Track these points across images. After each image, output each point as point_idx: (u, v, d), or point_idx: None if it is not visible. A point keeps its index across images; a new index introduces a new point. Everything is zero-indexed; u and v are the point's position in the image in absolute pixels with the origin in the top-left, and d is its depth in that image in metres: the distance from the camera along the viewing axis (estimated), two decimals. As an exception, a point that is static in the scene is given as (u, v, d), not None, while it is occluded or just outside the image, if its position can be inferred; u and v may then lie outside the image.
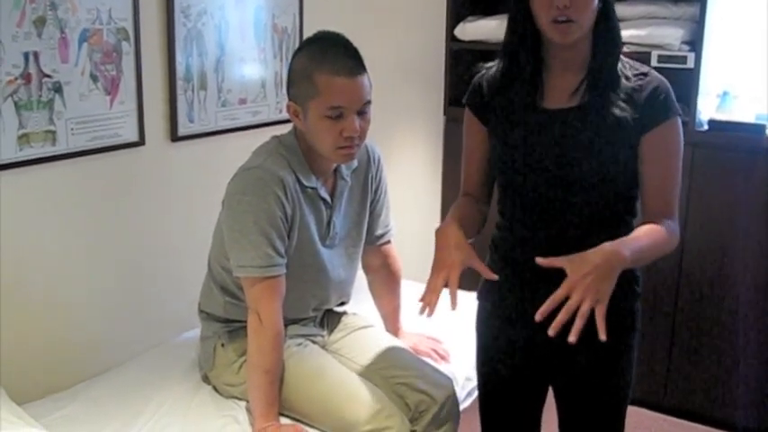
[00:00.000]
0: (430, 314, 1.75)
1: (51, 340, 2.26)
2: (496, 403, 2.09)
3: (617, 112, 1.79)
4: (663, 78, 1.84)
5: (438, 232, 1.86)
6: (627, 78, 1.82)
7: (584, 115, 1.81)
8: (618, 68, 1.82)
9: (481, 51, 3.65)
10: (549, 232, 1.85)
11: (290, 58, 2.14)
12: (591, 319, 1.61)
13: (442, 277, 1.76)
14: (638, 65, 1.86)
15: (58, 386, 2.23)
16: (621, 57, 1.84)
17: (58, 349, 2.28)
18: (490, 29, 3.47)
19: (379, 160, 2.28)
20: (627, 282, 1.84)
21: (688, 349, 3.28)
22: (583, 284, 1.59)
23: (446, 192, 3.81)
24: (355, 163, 2.20)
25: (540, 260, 1.67)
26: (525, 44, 1.83)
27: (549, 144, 1.81)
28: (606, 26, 1.80)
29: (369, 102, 2.02)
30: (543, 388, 2.06)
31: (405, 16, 3.52)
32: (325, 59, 1.97)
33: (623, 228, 1.84)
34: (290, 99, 2.06)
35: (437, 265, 1.80)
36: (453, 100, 3.67)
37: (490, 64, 1.98)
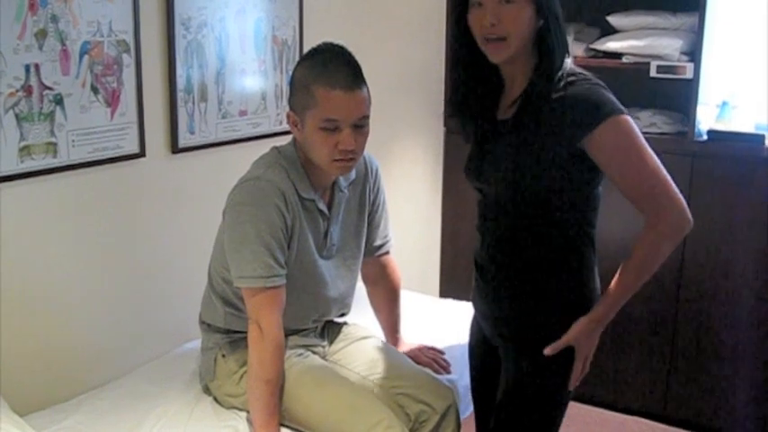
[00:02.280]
0: None
1: (53, 351, 2.26)
2: (475, 397, 2.20)
3: (538, 127, 1.78)
4: (587, 87, 1.78)
5: None
6: (555, 92, 1.78)
7: (513, 128, 1.83)
8: (551, 83, 1.79)
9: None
10: (493, 236, 1.93)
11: (290, 70, 2.15)
12: (541, 317, 1.89)
13: None
14: (573, 78, 1.80)
15: (59, 397, 2.23)
16: (573, 70, 1.82)
17: (59, 360, 2.28)
18: (490, 40, 3.47)
19: (377, 171, 2.29)
20: (580, 292, 1.92)
21: (689, 359, 3.27)
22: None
23: (446, 202, 3.82)
24: (353, 175, 2.21)
25: (547, 351, 1.85)
26: (469, 60, 1.88)
27: (493, 152, 1.88)
28: (546, 42, 1.80)
29: (366, 116, 2.03)
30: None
31: (404, 28, 3.53)
32: (324, 71, 1.98)
33: (575, 228, 1.86)
34: (290, 108, 2.07)
35: None
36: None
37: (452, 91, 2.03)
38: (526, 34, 1.78)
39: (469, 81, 1.91)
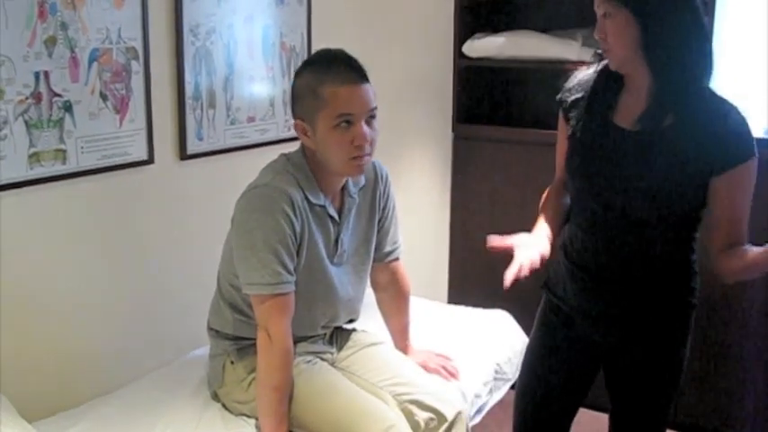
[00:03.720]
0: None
1: (61, 358, 2.26)
2: (537, 398, 2.23)
3: (685, 145, 1.84)
4: (743, 117, 1.87)
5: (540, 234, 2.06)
6: (704, 113, 1.84)
7: (646, 140, 1.88)
8: (685, 99, 1.85)
9: (489, 68, 3.67)
10: (607, 242, 1.98)
11: (298, 76, 2.14)
12: (650, 320, 1.99)
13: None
14: (721, 100, 1.88)
15: (68, 404, 2.23)
16: (709, 90, 1.88)
17: (68, 367, 2.28)
18: (498, 45, 3.48)
19: (386, 177, 2.29)
20: (683, 293, 2.03)
21: (699, 366, 3.26)
22: None
23: (455, 209, 3.81)
24: (363, 180, 2.21)
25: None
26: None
27: (618, 161, 1.91)
28: (654, 53, 1.83)
29: (375, 108, 2.03)
30: (587, 387, 2.20)
31: (413, 33, 3.53)
32: (329, 72, 1.99)
33: (682, 244, 1.97)
34: (296, 118, 2.07)
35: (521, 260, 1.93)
36: (462, 117, 3.68)
37: (585, 68, 2.09)
38: (627, 45, 1.84)
39: (600, 77, 1.99)
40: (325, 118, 1.99)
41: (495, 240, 1.95)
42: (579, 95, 2.04)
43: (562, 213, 2.13)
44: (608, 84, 1.97)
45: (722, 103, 1.87)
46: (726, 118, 1.84)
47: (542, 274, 2.09)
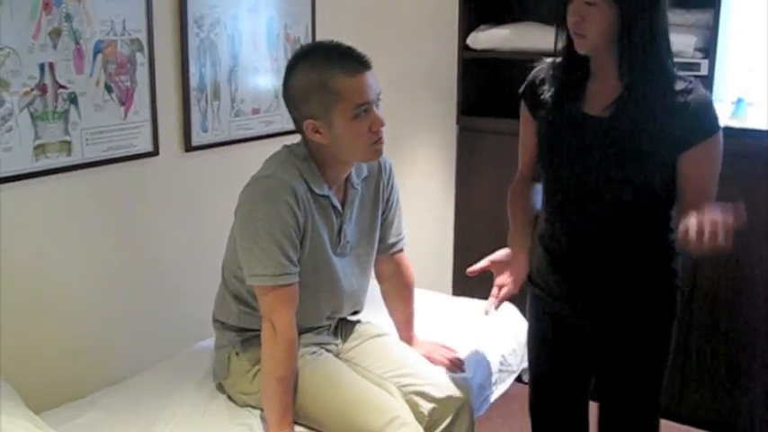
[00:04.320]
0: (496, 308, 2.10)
1: (68, 349, 2.27)
2: (544, 389, 2.25)
3: (652, 125, 1.86)
4: (706, 93, 1.90)
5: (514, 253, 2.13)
6: (669, 92, 1.87)
7: (618, 125, 1.89)
8: (654, 81, 1.87)
9: (494, 60, 3.66)
10: (584, 228, 2.01)
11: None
12: (633, 303, 2.00)
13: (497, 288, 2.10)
14: (683, 78, 1.91)
15: (74, 394, 2.24)
16: (671, 69, 1.90)
17: (74, 358, 2.29)
18: (502, 38, 3.47)
19: (390, 169, 2.28)
20: (665, 274, 2.04)
21: (703, 358, 3.25)
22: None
23: (459, 200, 3.81)
24: (365, 171, 2.21)
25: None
26: (572, 51, 1.94)
27: (590, 149, 1.93)
28: (628, 40, 1.85)
29: (380, 91, 2.05)
30: (586, 375, 2.20)
31: (417, 25, 3.53)
32: (333, 65, 1.97)
33: (657, 222, 1.99)
34: (306, 118, 2.02)
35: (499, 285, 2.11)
36: (466, 109, 3.67)
37: (548, 60, 2.09)
38: (604, 32, 1.86)
39: (565, 67, 1.99)
40: (342, 111, 1.98)
41: (473, 268, 2.11)
42: (545, 87, 2.05)
43: (532, 209, 2.17)
44: (573, 73, 1.98)
45: (685, 80, 1.90)
46: (689, 94, 1.87)
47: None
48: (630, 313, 2.03)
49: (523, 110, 2.14)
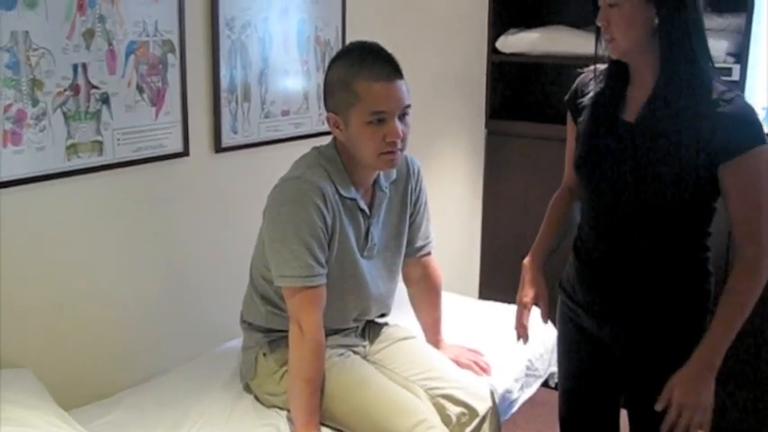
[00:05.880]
0: (525, 342, 2.19)
1: (97, 349, 2.29)
2: (575, 405, 2.21)
3: (687, 133, 1.79)
4: (748, 104, 1.82)
5: (523, 267, 2.16)
6: (708, 102, 1.78)
7: (645, 129, 1.84)
8: (685, 84, 1.79)
9: (523, 64, 3.65)
10: (616, 240, 1.94)
11: (331, 70, 2.14)
12: (661, 326, 1.92)
13: (524, 315, 2.14)
14: (724, 86, 1.82)
15: (103, 393, 2.25)
16: (712, 78, 1.82)
17: (103, 357, 2.31)
18: (531, 41, 3.46)
19: (418, 172, 2.28)
20: (697, 296, 1.95)
21: (731, 364, 3.22)
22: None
23: (487, 204, 3.79)
24: (394, 174, 2.21)
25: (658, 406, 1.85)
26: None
27: (620, 156, 1.88)
28: (665, 44, 1.80)
29: (409, 105, 2.02)
30: (616, 393, 2.16)
31: (446, 29, 3.53)
32: (362, 67, 1.98)
33: (692, 239, 1.91)
34: (329, 111, 2.06)
35: (518, 303, 2.15)
36: (495, 112, 3.66)
37: (591, 67, 2.04)
38: (635, 35, 1.81)
39: (606, 73, 1.96)
40: (358, 114, 1.98)
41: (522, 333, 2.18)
42: (587, 95, 2.01)
43: (567, 221, 2.16)
44: (615, 80, 1.93)
45: (726, 90, 1.81)
46: (730, 103, 1.78)
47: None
48: (656, 333, 1.95)
49: (569, 118, 2.11)
